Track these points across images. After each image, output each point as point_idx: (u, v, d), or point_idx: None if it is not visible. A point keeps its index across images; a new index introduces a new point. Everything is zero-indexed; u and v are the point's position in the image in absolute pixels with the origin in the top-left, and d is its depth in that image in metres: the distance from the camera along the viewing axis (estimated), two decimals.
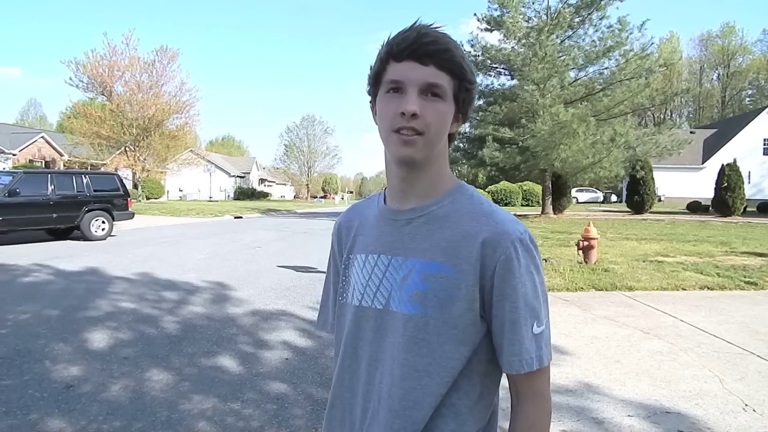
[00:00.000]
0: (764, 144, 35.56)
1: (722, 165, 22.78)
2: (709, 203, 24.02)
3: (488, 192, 38.11)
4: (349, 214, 1.06)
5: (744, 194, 22.45)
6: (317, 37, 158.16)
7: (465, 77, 0.87)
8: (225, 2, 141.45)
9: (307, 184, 72.64)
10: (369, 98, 0.93)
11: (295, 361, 4.02)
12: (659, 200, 28.90)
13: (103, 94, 32.26)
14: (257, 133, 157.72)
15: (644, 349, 4.24)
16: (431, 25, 0.87)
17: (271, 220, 22.56)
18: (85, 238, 11.98)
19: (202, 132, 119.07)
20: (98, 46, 45.23)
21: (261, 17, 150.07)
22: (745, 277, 7.39)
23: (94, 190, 12.41)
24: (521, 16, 19.91)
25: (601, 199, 42.84)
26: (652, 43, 19.86)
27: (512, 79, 21.39)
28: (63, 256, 9.38)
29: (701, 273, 7.70)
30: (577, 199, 38.60)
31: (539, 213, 22.85)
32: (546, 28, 18.38)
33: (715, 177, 23.00)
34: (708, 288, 6.77)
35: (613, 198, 42.76)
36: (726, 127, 39.33)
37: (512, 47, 20.18)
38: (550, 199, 22.01)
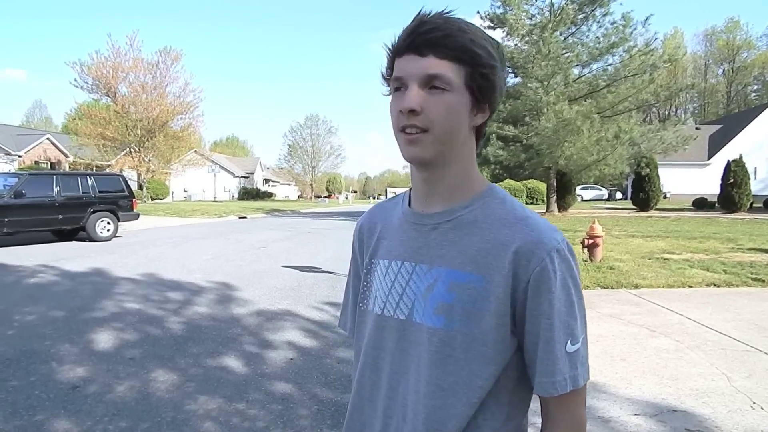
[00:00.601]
0: None
1: (728, 161, 22.61)
2: (715, 199, 23.85)
3: None
4: (372, 214, 1.00)
5: (750, 190, 22.28)
6: (320, 35, 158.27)
7: (478, 62, 0.78)
8: (228, 2, 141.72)
9: (311, 184, 72.73)
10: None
11: (299, 362, 4.02)
12: (665, 197, 28.75)
13: (107, 96, 32.44)
14: (261, 133, 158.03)
15: (650, 347, 4.21)
16: (441, 11, 0.79)
17: (276, 220, 22.59)
18: (91, 239, 12.04)
19: (206, 132, 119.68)
20: (102, 48, 45.44)
21: (264, 16, 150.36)
22: (752, 273, 7.33)
23: (100, 191, 12.46)
24: (524, 14, 19.82)
25: (606, 196, 42.64)
26: (656, 39, 19.74)
27: (516, 76, 21.28)
28: (69, 257, 9.43)
29: (708, 270, 7.65)
30: (582, 197, 38.43)
31: (544, 211, 22.77)
32: (549, 25, 18.28)
33: (720, 173, 22.83)
34: (715, 285, 6.73)
35: (618, 195, 42.57)
36: (731, 122, 39.08)
37: (515, 45, 20.10)
38: (555, 197, 21.92)
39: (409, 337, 0.85)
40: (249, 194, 51.68)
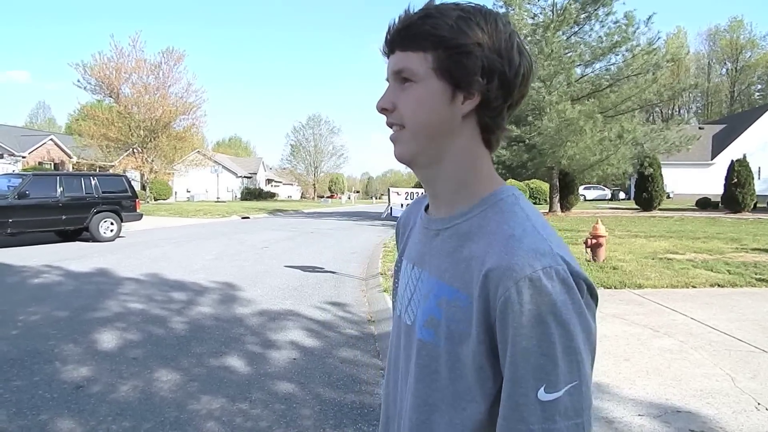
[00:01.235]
0: None
1: (732, 161, 22.54)
2: (719, 199, 23.78)
3: None
4: (410, 210, 0.94)
5: (754, 190, 22.21)
6: (323, 36, 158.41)
7: (443, 44, 0.69)
8: (230, 3, 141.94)
9: (314, 184, 72.78)
10: None
11: (302, 361, 4.02)
12: (668, 197, 28.68)
13: (110, 96, 32.52)
14: (264, 134, 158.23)
15: (654, 347, 4.20)
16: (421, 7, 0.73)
17: (279, 220, 22.61)
18: (94, 239, 12.07)
19: (209, 133, 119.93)
20: (105, 49, 45.59)
21: (266, 17, 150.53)
22: (756, 274, 7.30)
23: (103, 192, 12.49)
24: (526, 13, 19.80)
25: (609, 196, 42.54)
26: (659, 38, 19.66)
27: None
28: (72, 257, 9.46)
29: (711, 270, 7.62)
30: (585, 197, 38.35)
31: (547, 211, 22.74)
32: (552, 25, 18.24)
33: (724, 173, 22.77)
34: (719, 285, 6.70)
35: (621, 195, 42.46)
36: (735, 122, 38.98)
37: None
38: (558, 197, 21.89)
39: (411, 344, 0.81)
40: (252, 194, 51.76)
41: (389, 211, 6.83)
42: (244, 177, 58.65)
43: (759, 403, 3.10)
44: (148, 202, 30.34)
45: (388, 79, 0.76)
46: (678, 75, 44.62)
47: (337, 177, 77.06)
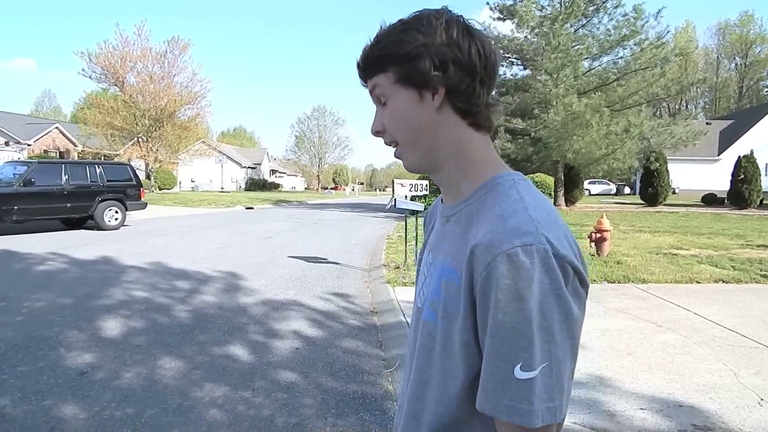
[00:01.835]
0: None
1: (739, 157, 22.36)
2: (725, 195, 23.63)
3: None
4: (437, 202, 0.97)
5: (761, 186, 22.05)
6: (329, 27, 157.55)
7: (397, 57, 0.76)
8: None
9: (318, 176, 72.73)
10: None
11: (305, 351, 4.03)
12: (673, 192, 28.48)
13: (115, 85, 32.50)
14: (269, 125, 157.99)
15: (657, 342, 4.19)
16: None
17: (282, 211, 22.63)
18: (99, 227, 12.13)
19: (213, 123, 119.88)
20: (111, 38, 45.50)
21: (272, 8, 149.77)
22: (761, 270, 7.26)
23: (108, 180, 12.54)
24: (534, 5, 19.61)
25: (614, 191, 42.34)
26: (668, 32, 19.47)
27: (525, 69, 21.12)
28: (77, 245, 9.50)
29: (716, 266, 7.59)
30: (590, 191, 38.21)
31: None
32: (560, 17, 18.07)
33: (731, 169, 22.59)
34: (723, 281, 6.67)
35: (626, 190, 42.25)
36: (743, 118, 38.61)
37: (525, 36, 19.91)
38: (562, 191, 21.81)
39: (418, 325, 0.85)
40: (256, 185, 51.80)
41: (393, 202, 6.81)
42: (249, 167, 58.67)
43: (762, 399, 3.09)
44: (152, 191, 30.43)
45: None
46: (686, 69, 44.26)
47: (341, 168, 76.99)
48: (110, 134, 32.09)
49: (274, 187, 54.64)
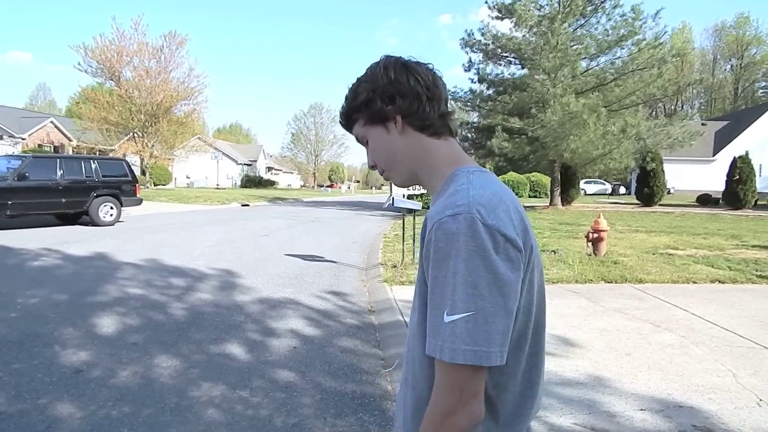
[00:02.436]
0: None
1: (734, 157, 22.46)
2: (720, 196, 23.74)
3: None
4: None
5: (756, 187, 22.17)
6: (326, 24, 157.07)
7: (358, 107, 0.98)
8: None
9: (314, 173, 72.61)
10: None
11: (303, 350, 4.01)
12: (668, 192, 28.57)
13: (111, 80, 32.31)
14: (265, 121, 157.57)
15: (655, 342, 4.19)
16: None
17: (279, 208, 22.57)
18: (94, 223, 12.04)
19: (209, 119, 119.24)
20: (107, 32, 45.16)
21: (270, 5, 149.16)
22: (756, 270, 7.29)
23: (103, 176, 12.43)
24: (533, 4, 19.59)
25: (610, 191, 42.46)
26: (666, 33, 19.52)
27: (523, 68, 21.10)
28: (72, 240, 9.43)
29: (712, 266, 7.61)
30: (585, 191, 38.27)
31: (547, 204, 22.71)
32: (558, 17, 18.07)
33: (726, 170, 22.69)
34: (719, 281, 6.69)
35: (622, 190, 42.38)
36: (738, 119, 38.77)
37: (523, 36, 19.89)
38: (559, 191, 21.84)
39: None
40: (252, 182, 51.63)
41: (391, 201, 6.79)
42: (245, 164, 58.47)
43: (761, 400, 3.09)
44: (147, 187, 30.26)
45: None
46: (682, 70, 44.38)
47: (337, 166, 76.93)
48: (105, 129, 31.90)
49: (270, 184, 54.48)
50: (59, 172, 11.58)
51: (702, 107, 63.24)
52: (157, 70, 32.37)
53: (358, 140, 1.03)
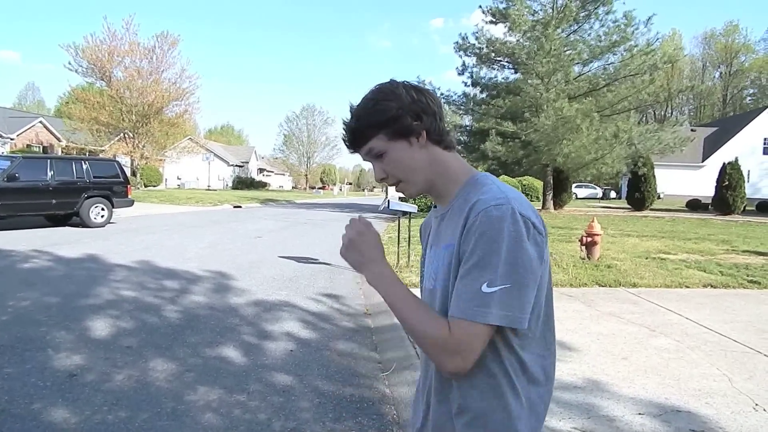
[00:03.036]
0: (764, 143, 35.50)
1: (723, 163, 22.71)
2: (709, 201, 23.99)
3: None
4: (430, 215, 1.25)
5: (745, 193, 22.43)
6: (319, 26, 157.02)
7: (383, 121, 1.03)
8: None
9: (306, 175, 72.46)
10: None
11: (299, 353, 3.98)
12: (658, 197, 28.81)
13: (102, 80, 32.06)
14: (257, 123, 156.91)
15: (651, 346, 4.21)
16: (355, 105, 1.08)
17: (271, 210, 22.48)
18: (85, 224, 11.90)
19: (201, 120, 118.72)
20: (98, 31, 44.78)
21: (262, 6, 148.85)
22: (747, 275, 7.36)
23: (94, 177, 12.30)
24: (527, 9, 19.71)
25: (600, 195, 42.80)
26: (658, 39, 19.72)
27: (516, 72, 21.20)
28: (62, 242, 9.32)
29: (704, 271, 7.67)
30: (576, 195, 38.54)
31: (540, 208, 22.81)
32: (552, 22, 18.18)
33: (715, 175, 22.94)
34: (711, 286, 6.75)
35: (612, 194, 42.74)
36: (727, 125, 39.26)
37: (517, 40, 20.00)
38: (551, 195, 21.96)
39: (424, 294, 1.16)
40: (243, 183, 51.42)
41: (387, 203, 6.79)
42: (236, 166, 58.21)
43: (757, 404, 3.11)
44: (138, 188, 30.01)
45: (365, 159, 1.11)
46: (672, 77, 44.89)
47: (329, 168, 76.86)
48: (96, 129, 31.65)
49: (262, 185, 54.29)
50: (50, 173, 11.44)
51: (691, 113, 63.99)
52: (149, 70, 32.20)
53: (367, 156, 1.08)
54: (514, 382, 1.00)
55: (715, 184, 22.73)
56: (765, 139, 35.45)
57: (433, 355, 0.97)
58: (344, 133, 1.09)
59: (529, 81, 18.09)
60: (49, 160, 11.99)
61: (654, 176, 23.77)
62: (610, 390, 3.28)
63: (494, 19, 20.40)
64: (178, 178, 49.17)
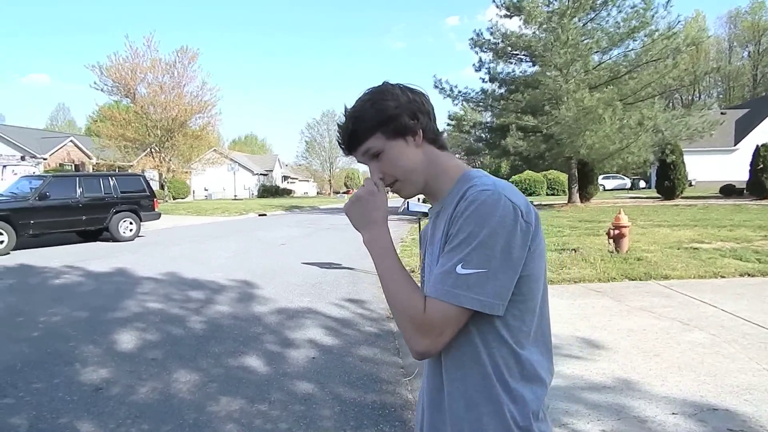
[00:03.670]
0: None
1: (757, 146, 21.83)
2: (743, 186, 23.11)
3: (512, 182, 37.52)
4: (430, 223, 1.25)
5: None
6: (337, 33, 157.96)
7: (381, 120, 1.03)
8: (245, 5, 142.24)
9: (330, 180, 72.86)
10: None
11: (321, 360, 3.96)
12: (690, 185, 27.92)
13: (127, 97, 32.91)
14: (279, 131, 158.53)
15: (685, 341, 4.04)
16: (352, 106, 1.07)
17: (295, 216, 22.66)
18: (114, 239, 12.21)
19: (224, 131, 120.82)
20: (121, 50, 46.06)
21: (281, 16, 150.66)
22: None
23: (121, 192, 12.61)
24: (542, 1, 19.40)
25: (629, 185, 41.70)
26: (679, 22, 19.10)
27: (534, 65, 20.87)
28: (92, 257, 9.56)
29: (740, 259, 7.37)
30: (604, 187, 37.65)
31: (565, 202, 22.39)
32: (568, 12, 17.82)
33: (748, 159, 22.07)
34: (749, 275, 6.47)
35: (642, 184, 41.60)
36: (758, 106, 37.81)
37: (533, 33, 19.68)
38: (577, 188, 21.51)
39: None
40: (268, 192, 52.01)
41: (406, 205, 6.71)
42: (261, 174, 58.96)
43: None
44: (166, 201, 30.70)
45: (361, 161, 1.11)
46: (698, 59, 43.50)
47: (352, 172, 77.03)
48: (123, 146, 32.47)
49: (287, 193, 54.83)
50: (79, 190, 11.77)
51: (720, 96, 61.88)
52: (171, 85, 32.90)
53: (364, 156, 1.08)
54: (507, 381, 0.97)
55: (749, 168, 21.88)
56: None
57: (407, 333, 0.95)
58: (340, 135, 1.09)
59: (548, 73, 17.78)
60: (77, 178, 12.34)
61: (683, 163, 23.03)
62: (641, 389, 3.16)
63: (509, 13, 20.14)
64: (205, 189, 50.08)
